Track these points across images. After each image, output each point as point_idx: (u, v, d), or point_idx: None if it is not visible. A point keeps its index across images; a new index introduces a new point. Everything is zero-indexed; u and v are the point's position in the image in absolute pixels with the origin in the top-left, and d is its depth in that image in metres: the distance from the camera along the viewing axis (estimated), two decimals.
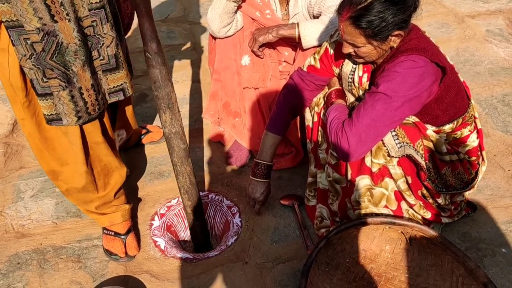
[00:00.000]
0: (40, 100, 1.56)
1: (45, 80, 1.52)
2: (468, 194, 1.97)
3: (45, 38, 1.46)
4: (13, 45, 1.45)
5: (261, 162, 1.98)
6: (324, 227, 1.97)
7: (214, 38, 2.19)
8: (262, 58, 2.20)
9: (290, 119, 1.98)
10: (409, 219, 1.78)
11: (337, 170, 1.82)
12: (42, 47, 1.47)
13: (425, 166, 1.64)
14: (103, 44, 1.61)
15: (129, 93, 1.78)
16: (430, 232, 1.71)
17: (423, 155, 1.64)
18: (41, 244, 2.04)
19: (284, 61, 2.29)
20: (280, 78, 2.28)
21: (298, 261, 1.90)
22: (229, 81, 2.24)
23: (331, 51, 1.83)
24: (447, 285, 1.68)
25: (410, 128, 1.64)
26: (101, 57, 1.63)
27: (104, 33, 1.59)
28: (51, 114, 1.59)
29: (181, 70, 3.17)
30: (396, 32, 1.54)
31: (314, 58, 1.88)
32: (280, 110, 1.96)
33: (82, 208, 1.94)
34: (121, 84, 1.73)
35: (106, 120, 1.77)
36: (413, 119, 1.68)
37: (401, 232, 1.80)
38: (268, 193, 2.04)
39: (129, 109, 2.21)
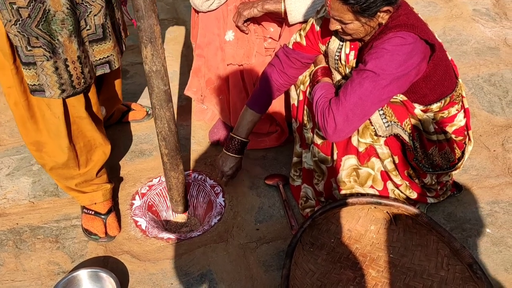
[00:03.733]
0: (24, 69, 1.51)
1: (29, 48, 1.47)
2: (454, 174, 1.96)
3: (31, 4, 1.40)
4: None
5: (236, 137, 1.93)
6: (309, 207, 1.94)
7: (197, 12, 2.12)
8: (247, 34, 2.13)
9: (273, 97, 1.92)
10: (395, 199, 1.75)
11: (323, 150, 1.79)
12: (28, 13, 1.41)
13: (412, 146, 1.61)
14: (90, 12, 1.54)
15: (115, 66, 1.72)
16: (416, 212, 1.69)
17: (411, 135, 1.61)
18: (17, 223, 1.97)
19: (270, 37, 2.22)
20: (265, 54, 2.22)
21: (282, 241, 1.88)
22: (212, 57, 2.17)
23: (317, 28, 1.78)
24: (432, 265, 1.67)
25: (398, 107, 1.61)
26: (87, 27, 1.56)
27: (93, 1, 1.52)
28: (34, 85, 1.54)
29: (165, 46, 3.08)
30: (385, 8, 1.49)
31: (300, 35, 1.82)
32: (263, 87, 1.90)
33: (62, 185, 1.87)
34: (108, 56, 1.67)
35: (92, 94, 1.71)
36: (401, 97, 1.64)
37: (387, 212, 1.78)
38: (238, 169, 2.00)
39: (117, 84, 2.12)
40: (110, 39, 1.65)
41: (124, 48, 1.84)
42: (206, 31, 2.12)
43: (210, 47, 2.14)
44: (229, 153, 1.95)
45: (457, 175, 2.05)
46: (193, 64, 2.22)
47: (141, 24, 1.46)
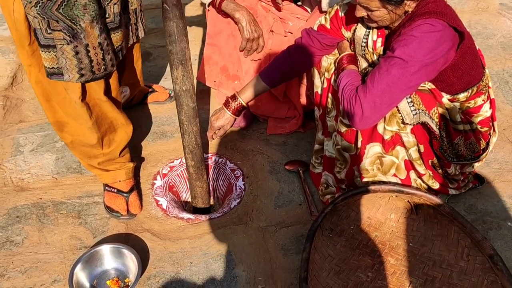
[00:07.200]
0: (42, 51, 1.50)
1: (49, 31, 1.46)
2: (477, 167, 1.95)
3: None
4: None
5: (239, 98, 1.92)
6: (329, 194, 1.94)
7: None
8: (280, 8, 2.12)
9: (286, 74, 1.92)
10: (417, 188, 1.75)
11: (346, 138, 1.78)
12: None
13: (439, 135, 1.60)
14: (110, 1, 1.54)
15: (124, 53, 1.74)
16: (438, 201, 1.69)
17: (438, 123, 1.60)
18: (40, 198, 2.01)
19: (289, 32, 2.20)
20: (284, 35, 2.19)
21: (301, 226, 1.88)
22: (224, 45, 2.16)
23: (342, 14, 1.77)
24: (452, 255, 1.67)
25: (426, 95, 1.60)
26: (107, 15, 1.56)
27: None
28: (53, 68, 1.54)
29: (189, 31, 3.09)
30: None
31: (325, 18, 1.83)
32: (279, 59, 1.91)
33: (85, 163, 1.90)
34: (120, 44, 1.68)
35: (113, 80, 1.71)
36: (429, 85, 1.63)
37: (408, 201, 1.78)
38: (227, 128, 1.97)
39: (138, 67, 2.14)
40: (122, 27, 1.65)
41: (143, 34, 1.86)
42: (216, 20, 2.12)
43: (221, 35, 2.14)
44: (227, 110, 1.94)
45: (479, 168, 2.04)
46: (204, 52, 2.21)
47: (173, 47, 1.51)
